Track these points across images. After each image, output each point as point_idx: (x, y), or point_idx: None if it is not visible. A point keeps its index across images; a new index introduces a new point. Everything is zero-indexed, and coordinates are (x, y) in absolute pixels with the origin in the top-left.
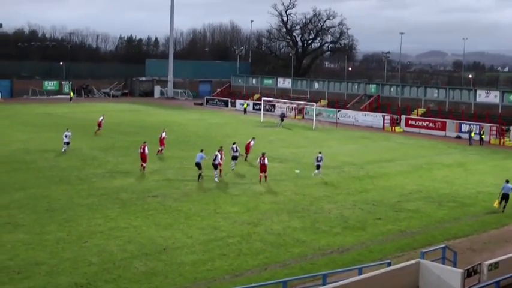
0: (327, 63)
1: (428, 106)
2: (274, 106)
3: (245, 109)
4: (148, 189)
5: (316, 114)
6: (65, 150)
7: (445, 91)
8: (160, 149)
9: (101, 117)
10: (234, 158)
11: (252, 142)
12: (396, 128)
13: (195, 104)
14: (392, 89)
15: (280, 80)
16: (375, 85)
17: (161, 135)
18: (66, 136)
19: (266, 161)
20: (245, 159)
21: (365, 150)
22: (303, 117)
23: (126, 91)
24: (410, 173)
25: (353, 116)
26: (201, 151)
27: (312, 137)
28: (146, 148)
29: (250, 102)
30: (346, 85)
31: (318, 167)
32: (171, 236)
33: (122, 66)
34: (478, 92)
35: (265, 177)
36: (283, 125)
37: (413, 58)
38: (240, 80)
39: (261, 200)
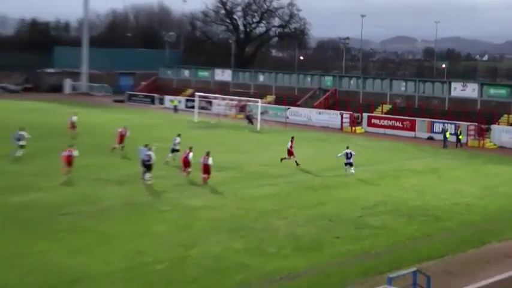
0: (274, 52)
1: (395, 102)
2: (211, 103)
3: (175, 107)
4: (58, 205)
5: (262, 113)
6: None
7: (414, 84)
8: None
9: None
10: (174, 150)
11: (191, 155)
12: (357, 128)
13: (114, 101)
14: (352, 82)
15: (218, 71)
16: (331, 77)
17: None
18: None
19: (210, 161)
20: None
21: (320, 155)
22: (245, 116)
23: (29, 85)
24: (374, 182)
25: (305, 115)
26: (146, 146)
27: (257, 139)
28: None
29: (182, 99)
30: (297, 77)
31: (350, 164)
32: (85, 263)
33: (24, 56)
34: (453, 84)
35: (208, 177)
36: (252, 128)
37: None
38: (169, 72)
39: (195, 216)
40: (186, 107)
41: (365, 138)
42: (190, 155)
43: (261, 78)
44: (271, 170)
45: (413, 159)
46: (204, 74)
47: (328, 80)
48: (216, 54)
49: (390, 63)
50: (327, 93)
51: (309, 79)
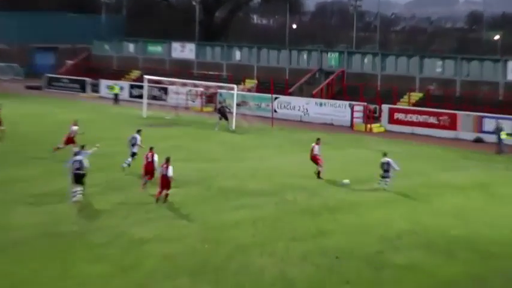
0: (255, 18)
1: (428, 89)
2: (165, 90)
3: (116, 96)
4: None
5: (238, 104)
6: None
7: (454, 63)
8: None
9: None
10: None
11: (156, 158)
12: (374, 126)
13: (28, 87)
14: (366, 61)
15: (176, 46)
16: (336, 54)
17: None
18: None
19: (170, 172)
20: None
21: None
22: (216, 108)
23: None
24: (398, 203)
25: (300, 107)
26: (82, 148)
27: (232, 142)
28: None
29: (125, 84)
30: (288, 54)
31: (386, 176)
32: None
33: None
34: (510, 64)
35: (166, 195)
36: (222, 126)
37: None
38: (106, 47)
39: (144, 252)
40: (131, 96)
41: (385, 140)
42: (155, 158)
43: (238, 55)
44: (251, 185)
45: (454, 170)
46: (156, 49)
47: (332, 58)
48: (174, 22)
49: (420, 34)
50: (331, 77)
51: (305, 57)
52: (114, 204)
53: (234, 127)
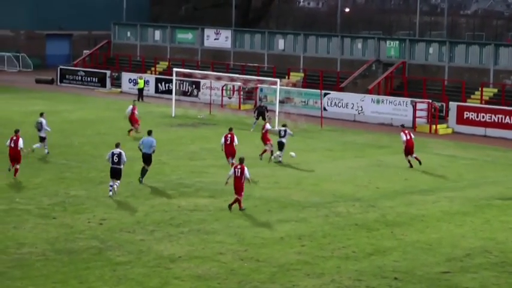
0: (302, 1)
1: (504, 84)
2: (198, 85)
3: (140, 91)
4: None
5: (282, 101)
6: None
7: None
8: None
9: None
10: None
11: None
12: (440, 126)
13: (38, 81)
14: (431, 51)
15: (209, 33)
16: (396, 43)
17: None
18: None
19: (247, 173)
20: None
21: (378, 171)
22: (255, 106)
23: None
24: (468, 217)
25: (354, 104)
26: (149, 133)
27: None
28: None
29: (151, 78)
30: (340, 43)
31: None
32: None
33: None
34: None
35: (237, 201)
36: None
37: None
38: (129, 34)
39: (173, 273)
40: (157, 91)
41: (453, 142)
42: (236, 139)
43: (281, 44)
44: (297, 195)
45: None
46: (186, 37)
47: (391, 48)
48: (206, 5)
49: (496, 19)
50: (391, 70)
51: (359, 46)
52: (138, 215)
53: (276, 128)
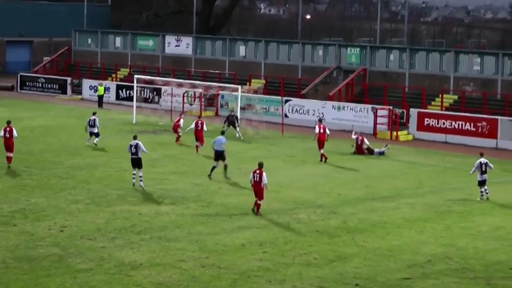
0: (263, 8)
1: (463, 90)
2: (159, 92)
3: (100, 98)
4: None
5: (243, 108)
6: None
7: (495, 60)
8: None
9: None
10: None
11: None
12: (400, 133)
13: None
14: (392, 57)
15: (170, 39)
16: (357, 49)
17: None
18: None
19: (265, 179)
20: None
21: (339, 178)
22: (217, 113)
23: None
24: (429, 223)
25: (315, 111)
26: (222, 133)
27: (234, 152)
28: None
29: (112, 84)
30: (301, 50)
31: (483, 182)
32: None
33: None
34: None
35: (258, 205)
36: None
37: None
38: (90, 40)
39: (135, 280)
40: (118, 98)
41: (414, 149)
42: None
43: (242, 51)
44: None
45: (495, 184)
46: (147, 43)
47: (352, 54)
48: (167, 12)
49: (456, 26)
50: (352, 76)
51: (320, 52)
52: (99, 222)
53: (239, 135)
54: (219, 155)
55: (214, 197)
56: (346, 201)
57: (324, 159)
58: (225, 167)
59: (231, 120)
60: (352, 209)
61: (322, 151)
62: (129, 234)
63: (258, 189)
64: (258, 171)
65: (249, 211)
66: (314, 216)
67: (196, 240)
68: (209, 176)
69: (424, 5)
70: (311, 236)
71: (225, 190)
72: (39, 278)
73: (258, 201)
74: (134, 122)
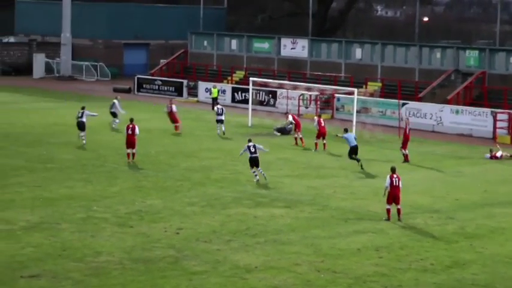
0: (379, 10)
1: None
2: (274, 94)
3: (214, 100)
4: (17, 261)
5: (359, 111)
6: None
7: None
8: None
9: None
10: None
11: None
12: None
13: (115, 90)
14: (511, 60)
15: (286, 42)
16: (476, 52)
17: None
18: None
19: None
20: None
21: (456, 182)
22: (333, 115)
23: None
24: None
25: (433, 115)
26: (346, 130)
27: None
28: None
29: (227, 87)
30: (418, 52)
31: None
32: None
33: None
34: None
35: (398, 210)
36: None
37: None
38: (206, 43)
39: (250, 283)
40: (233, 100)
41: None
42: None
43: (358, 53)
44: (374, 206)
45: None
46: (262, 46)
47: (471, 57)
48: (282, 14)
49: None
50: (470, 79)
51: (438, 55)
52: (214, 225)
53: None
54: (355, 150)
55: (329, 201)
56: (464, 206)
57: (406, 160)
58: (358, 160)
59: (282, 130)
60: (470, 215)
61: (405, 151)
62: (244, 237)
63: (397, 193)
64: (395, 176)
65: (365, 216)
66: (430, 221)
67: (311, 244)
68: (361, 166)
69: None
70: (427, 241)
71: (340, 194)
72: (155, 280)
73: (399, 207)
74: (250, 124)
